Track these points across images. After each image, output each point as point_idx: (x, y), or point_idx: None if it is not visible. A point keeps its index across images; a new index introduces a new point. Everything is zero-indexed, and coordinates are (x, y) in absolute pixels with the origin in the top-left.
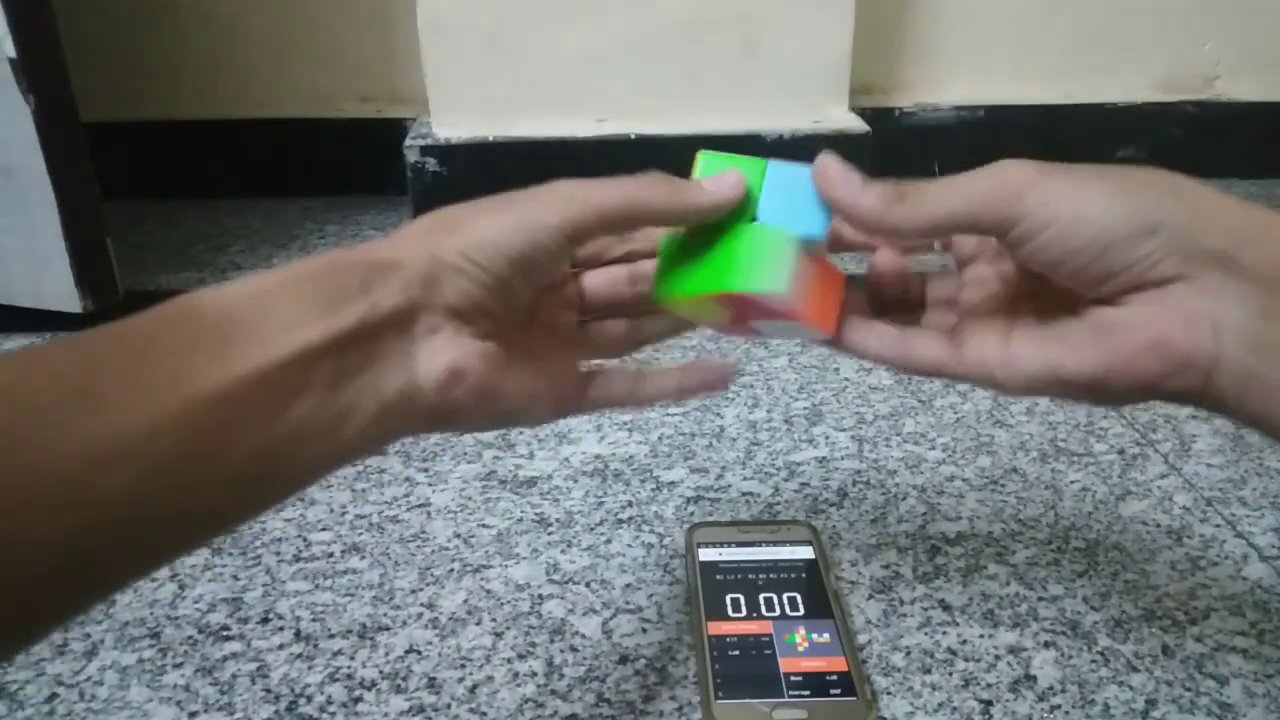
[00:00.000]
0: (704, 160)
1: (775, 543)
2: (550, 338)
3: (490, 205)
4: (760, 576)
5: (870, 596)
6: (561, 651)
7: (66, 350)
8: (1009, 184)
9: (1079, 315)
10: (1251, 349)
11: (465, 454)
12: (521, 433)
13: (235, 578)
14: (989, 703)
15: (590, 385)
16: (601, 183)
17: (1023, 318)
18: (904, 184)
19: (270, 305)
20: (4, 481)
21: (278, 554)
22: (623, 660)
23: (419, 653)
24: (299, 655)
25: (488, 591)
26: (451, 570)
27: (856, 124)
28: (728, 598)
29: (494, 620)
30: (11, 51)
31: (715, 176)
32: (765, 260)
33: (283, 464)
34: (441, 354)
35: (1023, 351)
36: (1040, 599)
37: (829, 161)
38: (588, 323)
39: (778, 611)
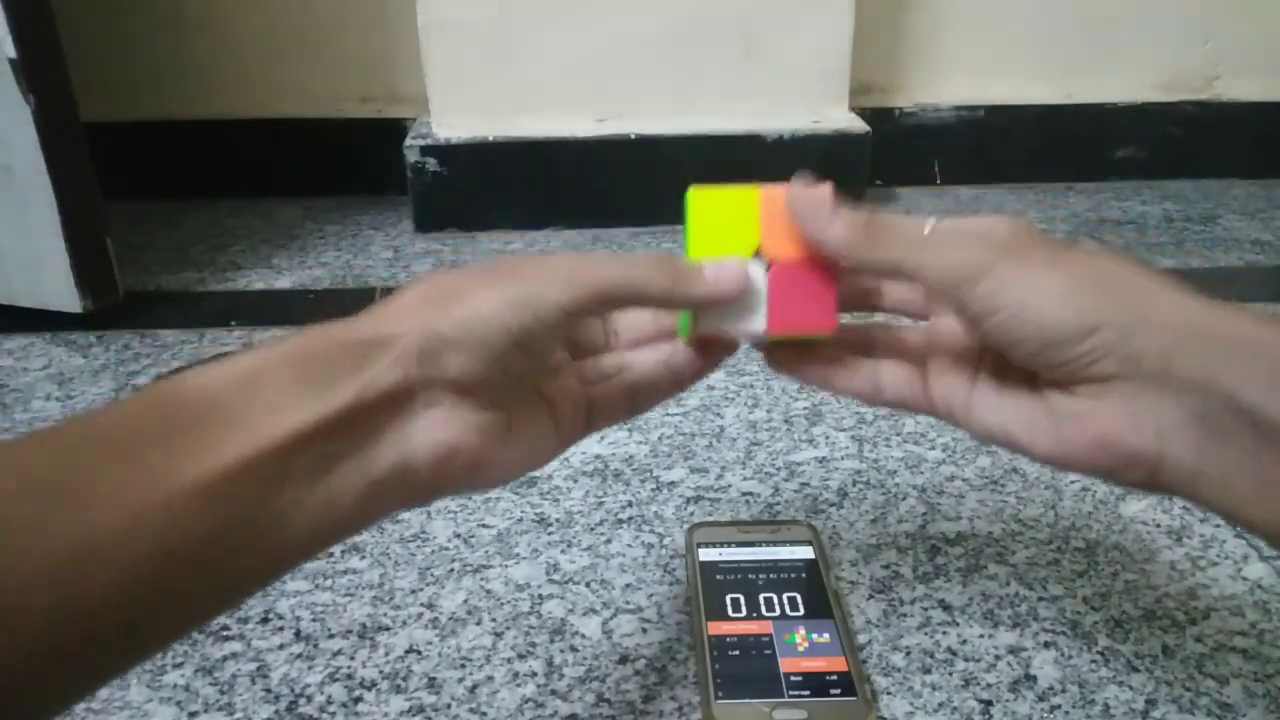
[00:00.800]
0: (693, 199)
1: (775, 543)
2: (550, 388)
3: (488, 277)
4: (760, 576)
5: (870, 596)
6: (561, 651)
7: (37, 448)
8: (968, 265)
9: (1036, 390)
10: (1193, 449)
11: None
12: None
13: None
14: (989, 703)
15: (590, 416)
16: (603, 259)
17: (987, 368)
18: (877, 216)
19: (257, 388)
20: None
21: None
22: (623, 660)
23: (419, 653)
24: (299, 655)
25: (488, 591)
26: (451, 570)
27: (856, 124)
28: (728, 598)
29: (494, 620)
30: (11, 51)
31: (718, 266)
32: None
33: (267, 549)
34: (438, 430)
35: (984, 406)
36: (1040, 599)
37: (799, 189)
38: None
39: (778, 611)
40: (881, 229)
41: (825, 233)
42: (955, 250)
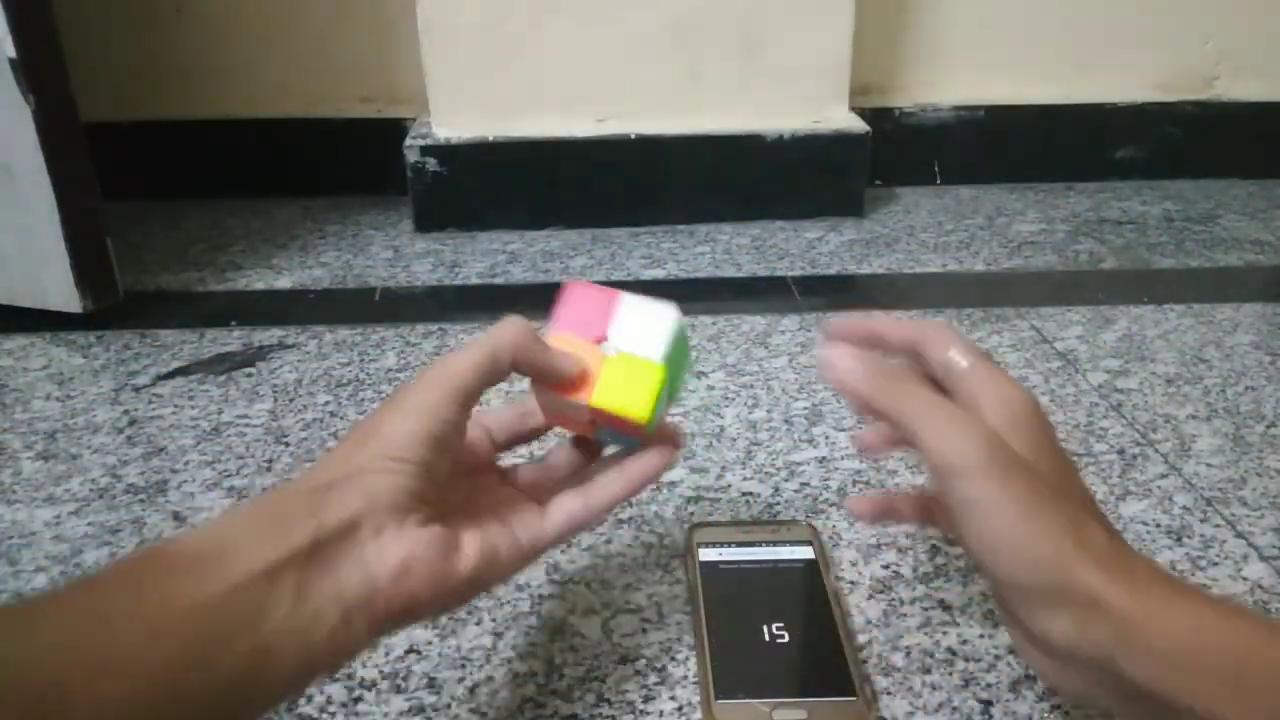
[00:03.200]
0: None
1: (775, 543)
2: (491, 505)
3: (390, 406)
4: (760, 576)
5: (870, 596)
6: (561, 651)
7: (71, 584)
8: (955, 455)
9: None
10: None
11: None
12: None
13: None
14: (989, 703)
15: (547, 521)
16: (465, 348)
17: None
18: (895, 372)
19: (233, 538)
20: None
21: None
22: (623, 660)
23: (419, 653)
24: None
25: (487, 591)
26: None
27: (856, 124)
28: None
29: (494, 620)
30: (11, 51)
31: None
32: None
33: (263, 669)
34: (389, 550)
35: None
36: None
37: (830, 354)
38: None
39: None
40: (898, 381)
41: (845, 379)
42: (953, 433)
